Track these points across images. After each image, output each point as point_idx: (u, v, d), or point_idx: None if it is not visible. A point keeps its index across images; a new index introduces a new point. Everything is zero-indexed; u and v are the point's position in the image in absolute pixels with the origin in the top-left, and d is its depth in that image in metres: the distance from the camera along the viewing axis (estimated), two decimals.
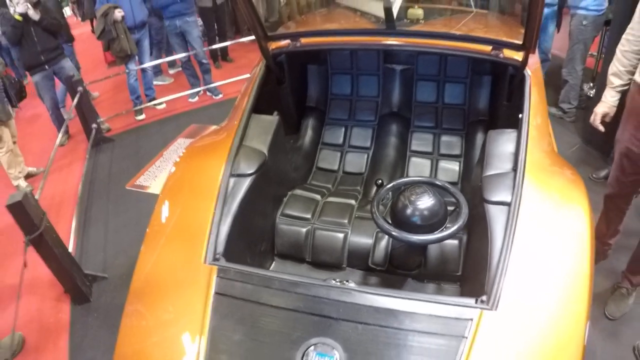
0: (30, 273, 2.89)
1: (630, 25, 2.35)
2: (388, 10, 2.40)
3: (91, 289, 3.15)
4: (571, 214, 1.62)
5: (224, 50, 7.48)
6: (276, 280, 1.60)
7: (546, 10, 4.90)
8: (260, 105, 2.38)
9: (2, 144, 4.41)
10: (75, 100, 4.74)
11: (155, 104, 6.05)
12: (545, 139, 2.05)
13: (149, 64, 5.91)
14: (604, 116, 2.52)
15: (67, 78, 5.08)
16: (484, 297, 1.44)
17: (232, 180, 1.96)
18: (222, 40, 7.24)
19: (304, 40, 2.65)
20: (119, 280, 3.18)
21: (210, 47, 6.81)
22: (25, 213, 2.62)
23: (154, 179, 4.36)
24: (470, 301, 1.44)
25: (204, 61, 6.07)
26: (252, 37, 7.23)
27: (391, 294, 1.50)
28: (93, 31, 11.69)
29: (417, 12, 3.44)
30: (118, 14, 5.22)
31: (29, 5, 4.74)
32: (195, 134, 5.14)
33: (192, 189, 1.97)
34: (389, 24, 2.48)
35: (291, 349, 1.43)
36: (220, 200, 1.87)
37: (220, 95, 6.20)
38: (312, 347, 1.42)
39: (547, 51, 5.21)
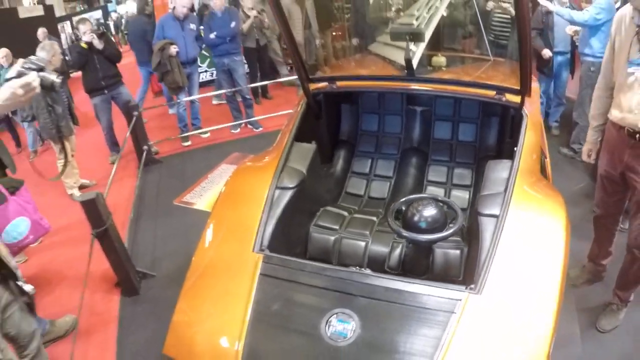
0: (84, 267, 3.34)
1: (600, 75, 2.82)
2: (408, 61, 2.91)
3: (140, 284, 3.60)
4: (548, 227, 2.01)
5: (264, 88, 8.07)
6: (309, 265, 2.03)
7: (560, 58, 5.40)
8: (300, 136, 2.84)
9: (62, 156, 4.99)
10: (132, 123, 5.32)
11: (200, 133, 6.62)
12: (535, 169, 2.45)
13: (196, 96, 6.53)
14: (589, 152, 2.96)
15: (124, 103, 5.70)
16: (472, 285, 1.84)
17: (277, 191, 2.40)
18: (263, 78, 7.86)
19: (339, 83, 3.14)
20: (166, 278, 3.63)
21: (252, 85, 7.39)
22: (96, 210, 3.13)
23: (199, 197, 4.82)
24: (461, 287, 1.84)
25: (247, 97, 6.66)
26: (290, 78, 7.87)
27: (399, 278, 1.91)
28: None
29: (440, 60, 3.88)
30: (173, 49, 5.84)
31: (95, 36, 5.41)
32: (238, 161, 5.59)
33: (244, 196, 2.43)
34: (410, 72, 2.97)
35: (318, 316, 1.84)
36: (267, 206, 2.31)
37: (260, 129, 6.74)
38: (334, 316, 1.82)
39: (561, 96, 5.63)
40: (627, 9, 2.60)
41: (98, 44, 5.45)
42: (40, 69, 2.01)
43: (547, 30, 5.30)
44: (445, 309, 1.78)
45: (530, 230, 2.01)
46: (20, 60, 2.03)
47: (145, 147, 5.60)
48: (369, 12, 6.53)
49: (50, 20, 14.66)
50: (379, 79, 3.26)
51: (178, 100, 6.26)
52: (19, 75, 1.93)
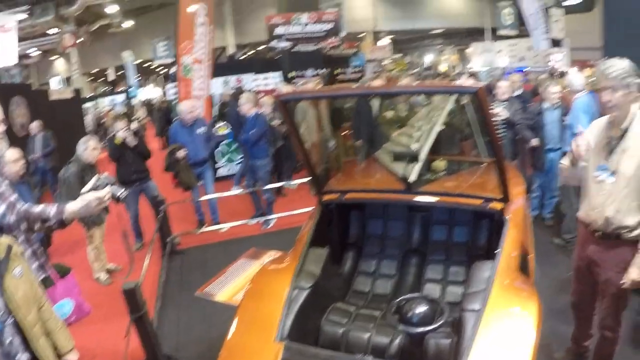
0: (112, 345, 3.61)
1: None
2: (406, 180, 3.48)
3: None
4: (521, 319, 2.46)
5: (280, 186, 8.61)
6: (322, 353, 2.51)
7: (551, 154, 5.96)
8: (315, 239, 3.35)
9: (92, 241, 5.48)
10: (160, 216, 5.87)
11: (217, 229, 7.06)
12: (514, 267, 2.92)
13: (211, 195, 7.14)
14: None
15: (152, 197, 6.26)
16: None
17: (295, 290, 2.89)
18: (279, 177, 8.58)
19: (348, 195, 3.69)
20: None
21: (268, 186, 8.04)
22: (134, 297, 3.58)
23: (220, 289, 5.22)
24: None
25: (265, 196, 7.22)
26: (302, 180, 8.46)
27: None
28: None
29: (439, 164, 4.47)
30: (180, 153, 6.49)
31: (128, 134, 6.09)
32: (256, 256, 6.08)
33: (267, 294, 2.92)
34: (409, 187, 3.56)
35: None
36: (287, 303, 2.78)
37: (270, 226, 7.19)
38: None
39: (554, 189, 6.11)
40: (604, 119, 3.06)
41: (131, 141, 6.12)
42: (112, 184, 2.54)
43: (538, 129, 5.96)
44: None
45: (505, 323, 2.45)
46: (95, 177, 2.54)
47: (169, 239, 6.09)
48: (376, 121, 7.23)
49: (77, 102, 15.59)
50: (382, 192, 3.80)
51: (191, 199, 6.96)
52: (94, 188, 2.43)
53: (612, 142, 2.95)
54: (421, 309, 2.64)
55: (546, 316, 3.79)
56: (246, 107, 6.99)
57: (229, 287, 5.28)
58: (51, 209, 2.46)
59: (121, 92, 29.87)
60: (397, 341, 2.96)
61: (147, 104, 24.07)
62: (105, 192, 2.44)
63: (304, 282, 2.94)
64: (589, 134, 3.09)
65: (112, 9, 21.61)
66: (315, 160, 3.80)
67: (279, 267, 3.19)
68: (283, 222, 7.14)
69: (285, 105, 3.10)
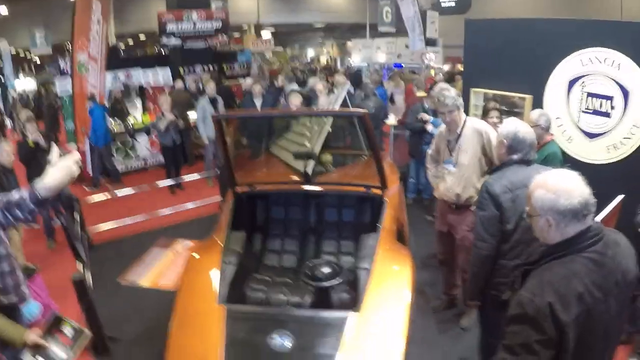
0: None
1: (429, 161, 4.50)
2: (306, 173, 4.38)
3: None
4: (399, 272, 3.44)
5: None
6: (257, 308, 3.46)
7: (426, 147, 7.00)
8: (234, 224, 4.15)
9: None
10: (77, 214, 6.24)
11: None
12: (392, 237, 3.91)
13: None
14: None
15: (66, 197, 6.55)
16: (355, 308, 3.17)
17: (224, 265, 3.65)
18: (178, 172, 9.15)
19: (258, 187, 4.55)
20: (126, 344, 4.63)
21: (169, 183, 8.80)
22: (84, 286, 4.16)
23: (141, 275, 5.61)
24: (349, 310, 3.18)
25: None
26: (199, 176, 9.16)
27: (312, 310, 3.32)
28: None
29: (327, 157, 5.43)
30: None
31: (40, 136, 6.40)
32: (166, 245, 6.48)
33: (203, 272, 3.67)
34: (307, 179, 4.46)
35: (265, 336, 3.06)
36: (221, 274, 3.55)
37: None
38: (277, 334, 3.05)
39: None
40: (444, 127, 4.26)
41: (44, 144, 6.40)
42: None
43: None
44: (337, 323, 3.10)
45: (388, 275, 3.43)
46: (54, 147, 2.43)
47: (84, 235, 6.48)
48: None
49: None
50: (286, 184, 4.69)
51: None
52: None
53: (451, 143, 4.15)
54: (326, 269, 3.55)
55: (422, 273, 5.08)
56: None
57: (150, 273, 5.78)
58: (24, 192, 2.30)
59: None
60: (309, 299, 3.79)
61: (36, 99, 22.49)
62: (75, 157, 2.25)
63: (231, 258, 3.73)
64: (437, 138, 4.31)
65: None
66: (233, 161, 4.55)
67: (210, 247, 3.93)
68: (177, 218, 7.87)
69: (219, 122, 3.93)
